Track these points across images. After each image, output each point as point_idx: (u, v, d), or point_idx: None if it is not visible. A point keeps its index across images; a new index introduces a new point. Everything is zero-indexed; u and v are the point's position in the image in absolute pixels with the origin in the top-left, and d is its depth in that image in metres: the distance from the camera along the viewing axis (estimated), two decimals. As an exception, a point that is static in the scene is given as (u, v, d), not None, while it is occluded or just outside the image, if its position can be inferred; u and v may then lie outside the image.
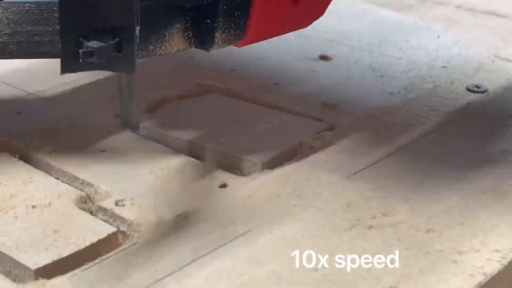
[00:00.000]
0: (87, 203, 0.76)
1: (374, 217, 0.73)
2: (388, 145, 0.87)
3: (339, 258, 0.67)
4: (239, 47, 0.77)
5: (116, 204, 0.75)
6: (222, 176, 0.80)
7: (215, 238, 0.70)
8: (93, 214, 0.74)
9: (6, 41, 0.71)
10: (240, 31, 0.74)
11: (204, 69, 1.05)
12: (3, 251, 0.67)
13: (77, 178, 0.80)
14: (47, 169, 0.82)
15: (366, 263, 0.67)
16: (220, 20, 0.72)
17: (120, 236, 0.72)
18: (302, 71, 1.07)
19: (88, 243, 0.69)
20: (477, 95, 1.00)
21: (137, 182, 0.79)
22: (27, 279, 0.66)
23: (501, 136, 0.89)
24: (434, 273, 0.66)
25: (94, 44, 0.63)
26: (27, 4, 0.71)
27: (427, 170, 0.82)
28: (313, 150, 0.85)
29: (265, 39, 0.80)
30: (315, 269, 0.66)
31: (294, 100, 0.97)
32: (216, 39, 0.73)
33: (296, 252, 0.68)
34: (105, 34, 0.64)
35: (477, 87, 1.02)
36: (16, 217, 0.72)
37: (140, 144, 0.87)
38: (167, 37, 0.73)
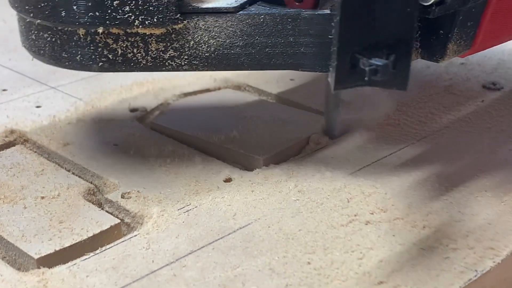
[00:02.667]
0: (96, 195, 0.79)
1: (372, 213, 0.74)
2: (396, 143, 0.87)
3: (333, 252, 0.68)
4: (463, 57, 0.75)
5: (122, 196, 0.77)
6: (228, 170, 0.82)
7: (214, 231, 0.72)
8: (100, 206, 0.77)
9: (238, 53, 0.72)
10: (469, 41, 0.72)
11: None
12: (9, 240, 0.70)
13: (87, 171, 0.82)
14: (60, 162, 0.85)
15: (359, 258, 0.68)
16: (455, 31, 0.70)
17: (124, 228, 0.74)
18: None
19: (90, 234, 0.71)
20: (492, 93, 1.00)
21: (145, 175, 0.81)
22: (30, 268, 0.68)
23: (511, 135, 0.88)
24: (425, 268, 0.66)
25: (377, 61, 0.61)
26: (262, 16, 0.71)
27: (431, 167, 0.82)
28: (320, 145, 0.86)
29: (488, 48, 0.79)
30: (308, 262, 0.67)
31: (309, 96, 0.98)
32: (448, 51, 0.70)
33: (291, 246, 0.69)
34: (379, 49, 0.62)
35: (493, 84, 1.02)
36: (24, 207, 0.75)
37: (152, 139, 0.89)
38: None
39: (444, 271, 0.66)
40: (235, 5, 0.71)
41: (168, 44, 0.72)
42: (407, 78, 0.63)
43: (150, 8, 0.69)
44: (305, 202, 0.76)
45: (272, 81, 1.03)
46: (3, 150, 0.87)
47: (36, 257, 0.68)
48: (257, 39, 0.72)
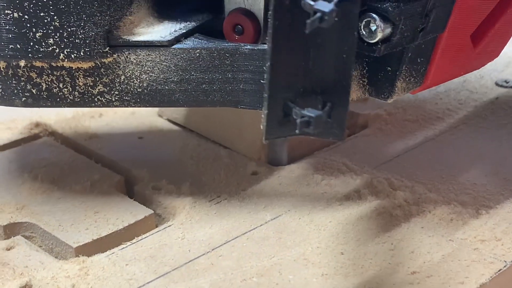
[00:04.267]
0: (126, 187, 0.80)
1: (400, 206, 0.75)
2: (415, 137, 0.89)
3: (365, 243, 0.70)
4: (413, 94, 0.71)
5: (153, 188, 0.78)
6: (254, 164, 0.83)
7: (246, 222, 0.73)
8: (132, 197, 0.78)
9: (172, 89, 0.67)
10: (419, 78, 0.68)
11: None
12: (46, 229, 0.71)
13: (115, 163, 0.84)
14: (88, 154, 0.86)
15: (391, 249, 0.69)
16: (404, 68, 0.66)
17: (156, 218, 0.76)
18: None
19: (126, 224, 0.72)
20: (505, 90, 1.02)
21: (172, 168, 0.82)
22: (68, 256, 0.69)
23: (527, 131, 0.91)
24: (455, 260, 0.68)
25: (310, 112, 0.54)
26: (198, 50, 0.66)
27: (453, 162, 0.84)
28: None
29: (441, 83, 0.78)
30: (342, 253, 0.69)
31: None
32: (396, 88, 0.66)
33: (323, 237, 0.71)
34: (314, 97, 0.56)
35: (506, 82, 1.04)
36: (58, 198, 0.76)
37: (175, 132, 0.90)
38: None
39: (474, 262, 0.68)
40: (169, 38, 0.66)
41: (97, 79, 0.66)
42: (343, 127, 0.56)
43: (76, 40, 0.64)
44: (332, 195, 0.78)
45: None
46: (30, 142, 0.88)
47: (74, 245, 0.69)
48: (193, 75, 0.66)
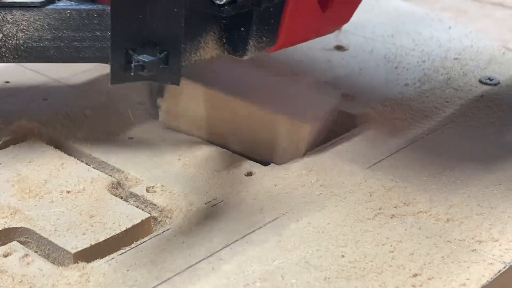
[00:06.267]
0: (118, 189, 0.79)
1: (396, 207, 0.76)
2: (405, 136, 0.89)
3: (364, 245, 0.70)
4: (269, 52, 0.79)
5: (147, 190, 0.78)
6: (248, 164, 0.83)
7: (245, 225, 0.73)
8: (126, 200, 0.77)
9: (47, 46, 0.75)
10: (272, 38, 0.77)
11: (220, 58, 1.08)
12: (42, 234, 0.70)
13: (107, 164, 0.83)
14: (77, 155, 0.85)
15: (390, 251, 0.70)
16: (254, 28, 0.74)
17: (152, 222, 0.75)
18: (319, 61, 1.10)
19: (123, 228, 0.72)
20: (489, 88, 1.03)
21: (165, 169, 0.82)
22: (66, 262, 0.68)
23: (515, 129, 0.92)
24: (455, 261, 0.69)
25: (144, 57, 0.65)
26: (68, 11, 0.74)
27: (445, 161, 0.84)
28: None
29: (294, 45, 0.83)
30: (342, 255, 0.69)
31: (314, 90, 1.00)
32: (249, 47, 0.75)
33: (323, 239, 0.71)
34: (153, 47, 0.66)
35: (490, 79, 1.04)
36: (51, 201, 0.75)
37: (166, 132, 0.89)
38: (202, 44, 0.74)
39: (474, 263, 0.68)
40: (41, 0, 0.74)
41: None
42: (179, 74, 0.67)
43: None
44: (328, 196, 0.78)
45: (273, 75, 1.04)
46: (17, 143, 0.86)
47: (73, 251, 0.68)
48: (65, 33, 0.74)
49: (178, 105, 0.90)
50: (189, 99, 0.89)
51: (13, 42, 0.75)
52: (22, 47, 0.75)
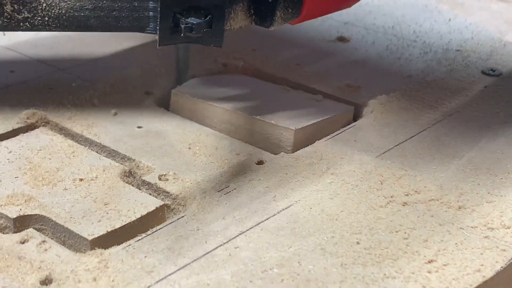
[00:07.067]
0: (130, 177, 0.79)
1: (407, 195, 0.76)
2: (412, 126, 0.90)
3: (378, 233, 0.71)
4: (293, 24, 0.84)
5: (160, 178, 0.78)
6: (258, 153, 0.83)
7: (258, 212, 0.73)
8: (139, 188, 0.77)
9: (87, 15, 0.79)
10: (296, 10, 0.81)
11: (226, 49, 1.08)
12: (58, 221, 0.70)
13: (117, 153, 0.83)
14: (87, 144, 0.85)
15: (405, 238, 0.70)
16: (281, 0, 0.79)
17: (165, 209, 0.75)
18: (322, 52, 1.10)
19: (138, 216, 0.72)
20: (492, 79, 1.03)
21: (176, 158, 0.82)
22: (83, 249, 0.69)
23: (520, 119, 0.93)
24: (469, 247, 0.69)
25: (193, 20, 0.72)
26: None
27: (452, 150, 0.85)
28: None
29: (316, 17, 0.89)
30: (357, 242, 0.69)
31: (319, 81, 1.00)
32: (275, 17, 0.79)
33: (337, 227, 0.71)
34: (198, 11, 0.73)
35: (492, 70, 1.05)
36: (65, 189, 0.75)
37: (174, 121, 0.89)
38: (232, 15, 0.78)
39: (487, 250, 0.69)
40: None
41: (21, 7, 0.78)
42: (221, 37, 0.75)
43: None
44: (340, 184, 0.78)
45: (276, 66, 1.05)
46: (27, 132, 0.86)
47: (89, 238, 0.68)
48: (104, 3, 0.79)
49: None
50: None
51: (56, 11, 0.79)
52: (64, 17, 0.79)
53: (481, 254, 0.69)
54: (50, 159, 0.80)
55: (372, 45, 1.13)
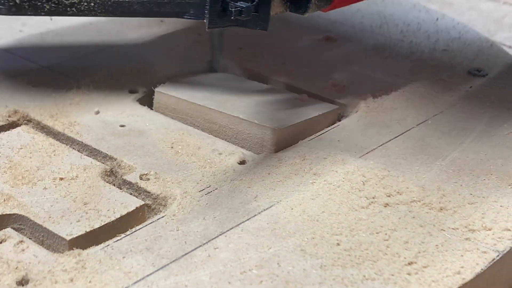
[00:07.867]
0: (111, 177, 0.79)
1: (389, 196, 0.76)
2: (396, 126, 0.90)
3: (359, 234, 0.70)
4: (325, 11, 0.88)
5: (141, 178, 0.77)
6: (240, 152, 0.83)
7: (239, 213, 0.73)
8: (119, 187, 0.77)
9: (131, 1, 0.82)
10: None
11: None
12: (36, 221, 0.70)
13: (99, 152, 0.82)
14: (68, 142, 0.84)
15: (385, 239, 0.70)
16: None
17: (146, 209, 0.75)
18: (309, 51, 1.10)
19: (118, 215, 0.71)
20: (478, 79, 1.03)
21: (158, 157, 0.81)
22: (61, 249, 0.68)
23: (504, 120, 0.92)
24: (449, 249, 0.69)
25: (242, 4, 0.76)
26: None
27: (435, 151, 0.85)
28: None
29: (347, 5, 0.93)
30: (337, 243, 0.69)
31: (305, 80, 1.00)
32: (310, 4, 0.82)
33: (317, 228, 0.71)
34: None
35: (478, 71, 1.05)
36: (44, 188, 0.75)
37: (157, 119, 0.89)
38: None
39: (468, 252, 0.69)
40: None
41: None
42: (267, 21, 0.79)
43: None
44: (322, 184, 0.78)
45: (263, 65, 1.04)
46: (8, 130, 0.85)
47: (68, 238, 0.68)
48: None
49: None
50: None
51: None
52: (109, 2, 0.81)
53: (462, 256, 0.68)
54: (30, 157, 0.80)
55: (359, 45, 1.13)
